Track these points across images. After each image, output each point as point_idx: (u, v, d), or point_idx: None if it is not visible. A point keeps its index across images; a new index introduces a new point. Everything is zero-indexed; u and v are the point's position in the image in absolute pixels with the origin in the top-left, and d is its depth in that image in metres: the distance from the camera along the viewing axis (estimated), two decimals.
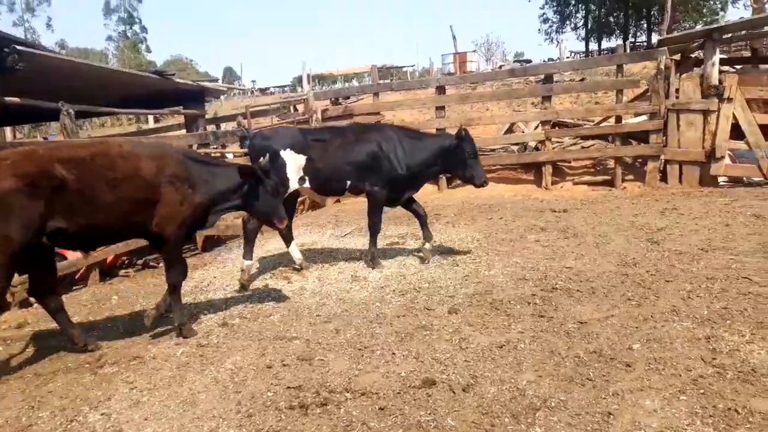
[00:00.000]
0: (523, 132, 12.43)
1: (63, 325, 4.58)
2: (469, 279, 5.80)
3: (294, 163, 6.12)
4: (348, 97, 19.87)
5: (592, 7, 44.52)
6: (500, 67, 29.25)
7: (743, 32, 12.48)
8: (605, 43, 44.57)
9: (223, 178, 4.79)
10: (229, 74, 69.16)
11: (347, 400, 3.50)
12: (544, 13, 47.82)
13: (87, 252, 4.92)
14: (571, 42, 52.47)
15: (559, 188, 11.14)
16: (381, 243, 7.67)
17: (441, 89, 11.90)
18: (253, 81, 57.56)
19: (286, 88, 45.86)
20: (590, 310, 4.66)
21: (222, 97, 37.62)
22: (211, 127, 10.86)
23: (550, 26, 47.98)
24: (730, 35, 11.22)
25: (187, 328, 4.81)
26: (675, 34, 12.86)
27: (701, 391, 3.22)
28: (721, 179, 9.73)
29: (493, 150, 12.45)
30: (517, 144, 12.19)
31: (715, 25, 10.36)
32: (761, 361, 3.50)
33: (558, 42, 43.97)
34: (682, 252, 6.01)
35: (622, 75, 10.57)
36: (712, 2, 38.11)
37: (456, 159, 6.32)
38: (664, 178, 10.11)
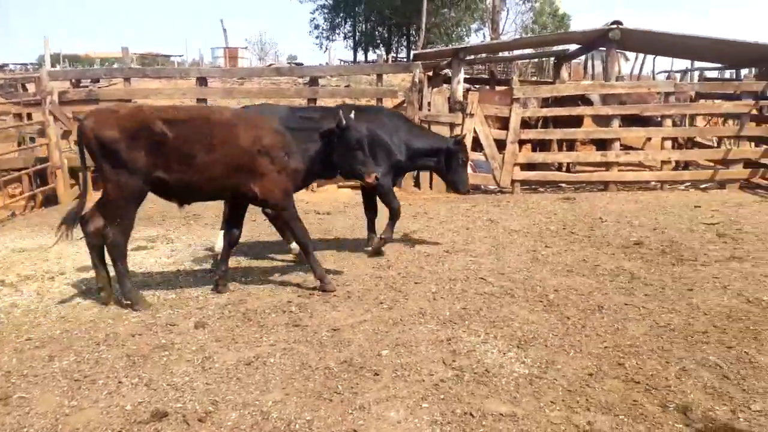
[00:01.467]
0: None
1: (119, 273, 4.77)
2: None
3: None
4: (98, 80, 17.69)
5: (360, 19, 46.81)
6: (270, 65, 28.95)
7: (484, 55, 14.10)
8: (372, 55, 47.21)
9: (318, 143, 5.05)
10: None
11: None
12: (314, 19, 48.83)
13: (182, 205, 5.11)
14: (342, 51, 54.55)
15: (324, 191, 11.19)
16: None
17: (203, 80, 11.13)
18: None
19: (29, 66, 39.10)
20: (345, 315, 4.57)
21: None
22: None
23: (321, 33, 49.19)
24: (473, 57, 12.52)
25: (327, 281, 5.14)
26: (428, 50, 13.98)
27: (442, 396, 3.27)
28: None
29: None
30: None
31: (462, 45, 11.45)
32: (494, 360, 3.73)
33: (327, 49, 45.31)
34: (430, 254, 6.35)
35: (382, 84, 11.05)
36: (459, 29, 42.83)
37: (450, 162, 6.43)
38: (417, 184, 10.81)
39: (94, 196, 9.18)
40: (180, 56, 46.04)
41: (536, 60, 26.68)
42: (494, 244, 6.72)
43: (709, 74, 18.66)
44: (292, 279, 5.52)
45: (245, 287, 5.31)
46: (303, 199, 10.20)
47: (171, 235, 7.48)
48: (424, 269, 5.81)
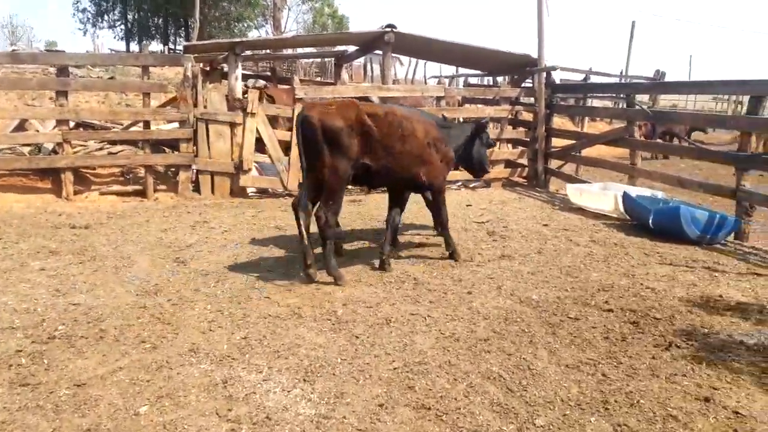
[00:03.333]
0: (38, 131, 10.36)
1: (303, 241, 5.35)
2: None
3: None
4: None
5: (132, 6, 42.54)
6: (13, 50, 24.66)
7: (265, 52, 13.48)
8: (148, 47, 43.24)
9: (457, 138, 6.24)
10: None
11: None
12: (78, 2, 43.12)
13: (370, 189, 6.25)
14: (111, 40, 49.11)
15: (83, 199, 9.62)
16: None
17: None
18: None
19: None
20: (95, 363, 3.72)
21: None
22: None
23: (87, 18, 43.62)
24: (252, 52, 11.85)
25: (457, 254, 6.15)
26: (200, 42, 12.93)
27: None
28: (249, 190, 10.10)
29: None
30: (29, 145, 10.08)
31: (237, 39, 10.72)
32: (276, 402, 3.25)
33: (95, 36, 40.47)
34: (209, 272, 5.66)
35: (149, 77, 9.84)
36: (242, 25, 41.42)
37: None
38: (197, 188, 9.88)
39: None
40: None
41: (320, 60, 26.85)
42: (283, 255, 6.26)
43: (472, 80, 20.55)
44: (27, 320, 4.40)
45: None
46: (56, 210, 8.65)
47: None
48: (200, 291, 5.12)
